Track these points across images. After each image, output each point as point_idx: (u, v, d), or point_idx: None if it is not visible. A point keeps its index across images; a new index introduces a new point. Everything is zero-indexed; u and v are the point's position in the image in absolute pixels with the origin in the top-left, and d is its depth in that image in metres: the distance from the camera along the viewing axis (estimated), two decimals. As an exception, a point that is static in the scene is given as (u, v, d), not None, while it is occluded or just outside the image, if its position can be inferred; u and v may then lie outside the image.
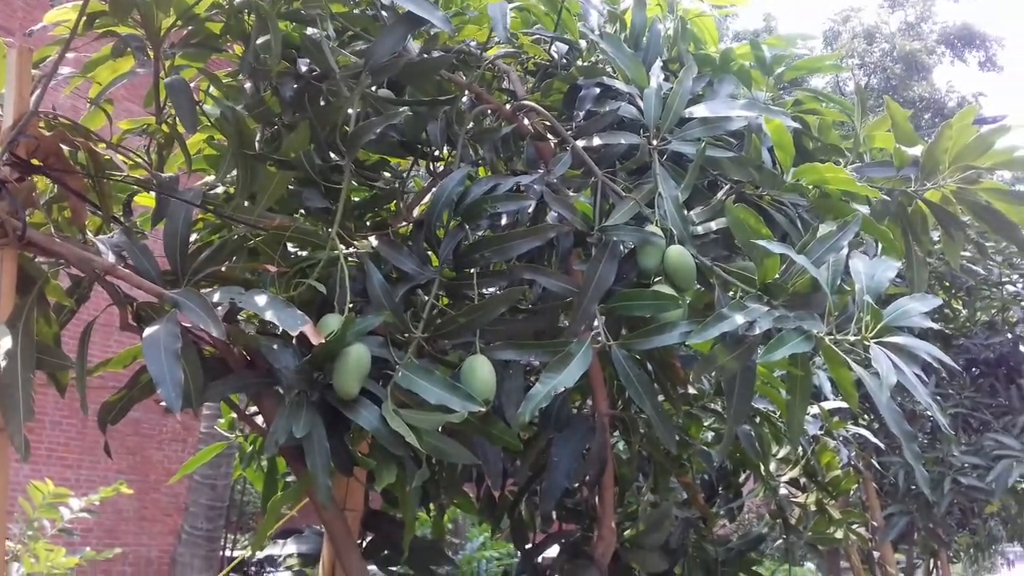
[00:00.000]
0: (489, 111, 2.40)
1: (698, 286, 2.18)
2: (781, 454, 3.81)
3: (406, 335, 2.11)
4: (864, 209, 2.30)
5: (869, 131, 2.73)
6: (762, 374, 3.25)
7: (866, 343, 1.86)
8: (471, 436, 2.18)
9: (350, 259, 2.13)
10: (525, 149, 2.38)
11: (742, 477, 3.48)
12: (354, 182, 2.38)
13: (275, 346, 1.97)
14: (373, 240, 2.24)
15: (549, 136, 2.41)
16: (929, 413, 5.47)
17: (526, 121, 2.44)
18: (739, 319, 1.92)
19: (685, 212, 2.20)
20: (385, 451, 1.99)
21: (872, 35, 19.41)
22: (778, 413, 3.24)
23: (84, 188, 1.95)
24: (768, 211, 2.35)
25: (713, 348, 1.97)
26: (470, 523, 11.42)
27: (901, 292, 2.17)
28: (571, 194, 2.36)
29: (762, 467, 3.27)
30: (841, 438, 3.58)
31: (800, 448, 3.73)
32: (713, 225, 2.20)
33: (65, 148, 1.92)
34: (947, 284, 5.96)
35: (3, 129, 1.80)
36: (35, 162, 1.85)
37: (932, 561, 7.21)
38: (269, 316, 1.81)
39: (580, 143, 2.37)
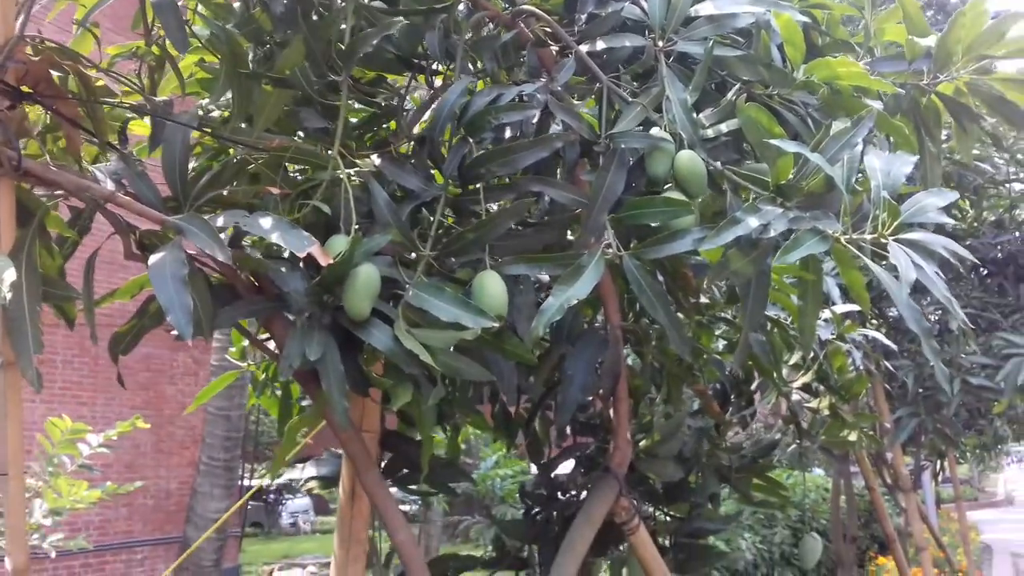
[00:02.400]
0: (487, 19, 2.31)
1: (709, 192, 2.13)
2: (793, 360, 3.82)
3: (414, 254, 2.08)
4: (877, 105, 2.24)
5: (879, 24, 2.65)
6: (773, 280, 3.24)
7: (883, 241, 1.82)
8: (484, 353, 2.17)
9: (353, 179, 2.09)
10: (526, 57, 2.31)
11: (754, 385, 3.49)
12: (354, 101, 2.32)
13: (283, 269, 1.95)
14: (376, 159, 2.19)
15: (551, 43, 2.33)
16: (940, 313, 5.48)
17: (526, 28, 2.36)
18: (753, 222, 1.88)
19: (694, 115, 2.14)
20: (399, 371, 1.99)
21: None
22: (790, 319, 3.23)
23: (77, 115, 1.89)
24: (779, 111, 2.29)
25: (727, 253, 1.93)
26: (483, 443, 11.58)
27: (912, 191, 2.12)
28: (576, 103, 2.30)
29: (774, 374, 3.27)
30: (852, 342, 3.58)
31: (812, 353, 3.73)
32: (723, 127, 2.14)
33: (55, 74, 1.85)
34: (953, 184, 5.88)
35: (-12, 56, 1.74)
36: (25, 89, 1.80)
37: (939, 462, 7.33)
38: (275, 239, 1.78)
39: (583, 48, 2.29)
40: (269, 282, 2.00)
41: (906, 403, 5.59)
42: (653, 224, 2.01)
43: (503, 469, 10.83)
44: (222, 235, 1.89)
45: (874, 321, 5.93)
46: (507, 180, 2.18)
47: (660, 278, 2.54)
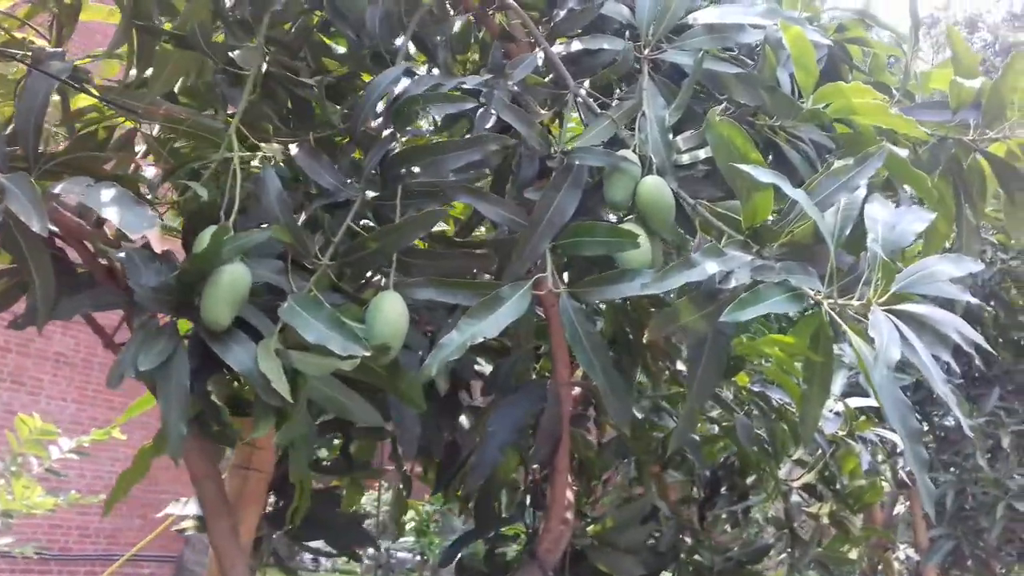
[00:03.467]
0: (450, 5, 1.97)
1: (676, 229, 1.73)
2: (797, 455, 3.32)
3: (317, 262, 1.72)
4: (902, 152, 1.82)
5: (926, 72, 2.24)
6: (777, 358, 2.80)
7: (873, 308, 1.40)
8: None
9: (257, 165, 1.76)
10: (491, 52, 1.96)
11: (751, 478, 3.02)
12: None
13: (136, 258, 1.61)
14: (294, 148, 1.86)
15: (521, 38, 1.99)
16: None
17: (501, 21, 2.03)
18: (711, 267, 1.48)
19: (670, 137, 1.76)
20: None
21: (974, 23, 18.01)
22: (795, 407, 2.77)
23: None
24: (782, 149, 1.89)
25: (676, 303, 1.53)
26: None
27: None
28: (541, 111, 1.94)
29: (773, 468, 2.81)
30: (865, 441, 3.08)
31: (819, 450, 3.24)
32: (702, 154, 1.75)
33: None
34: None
35: None
36: None
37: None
38: (108, 213, 1.45)
39: (557, 49, 1.94)
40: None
41: (943, 522, 4.96)
42: (588, 255, 1.62)
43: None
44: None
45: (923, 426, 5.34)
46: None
47: (627, 329, 2.14)
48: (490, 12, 1.98)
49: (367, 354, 1.49)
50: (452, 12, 1.98)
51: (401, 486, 2.48)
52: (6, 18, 1.98)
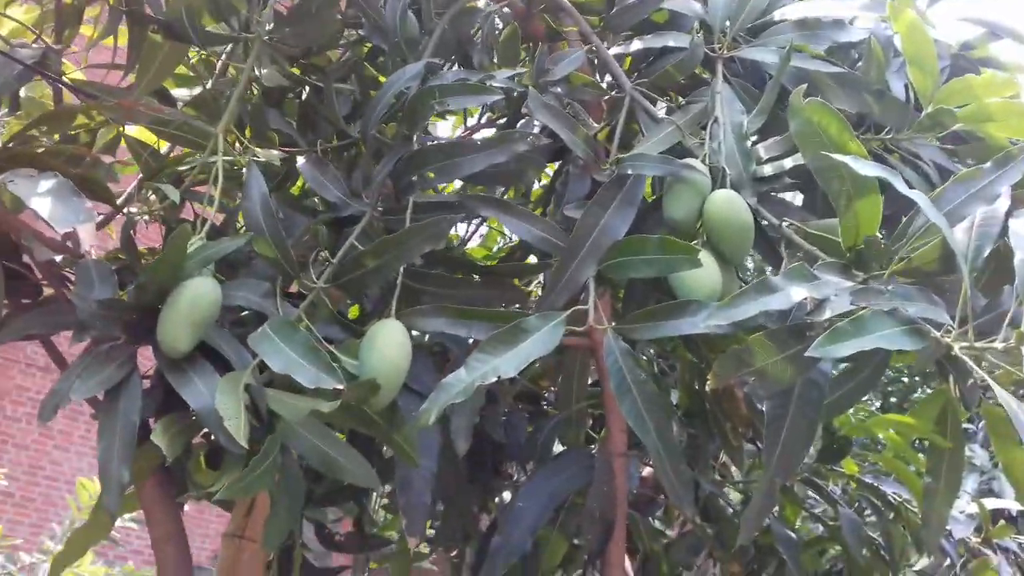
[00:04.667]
0: (487, 2, 1.69)
1: (756, 254, 1.38)
2: (920, 564, 2.80)
3: (310, 284, 1.43)
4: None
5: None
6: (894, 443, 2.34)
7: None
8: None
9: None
10: (536, 55, 1.66)
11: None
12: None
13: (92, 270, 1.33)
14: (301, 159, 1.59)
15: (572, 39, 1.69)
16: None
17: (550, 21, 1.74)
18: (797, 292, 1.11)
19: (748, 145, 1.41)
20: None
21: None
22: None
23: None
24: (895, 167, 1.52)
25: (749, 340, 1.15)
26: None
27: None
28: (593, 123, 1.62)
29: (885, 579, 2.33)
30: (1004, 551, 2.55)
31: (947, 560, 2.73)
32: (788, 163, 1.39)
33: None
34: None
35: None
36: None
37: None
38: (36, 204, 1.19)
39: (615, 51, 1.64)
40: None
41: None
42: (636, 277, 1.27)
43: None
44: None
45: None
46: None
47: (698, 389, 1.76)
48: (535, 13, 1.69)
49: (339, 387, 1.16)
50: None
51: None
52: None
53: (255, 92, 1.76)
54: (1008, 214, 1.16)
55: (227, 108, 1.47)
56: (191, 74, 1.88)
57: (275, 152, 1.53)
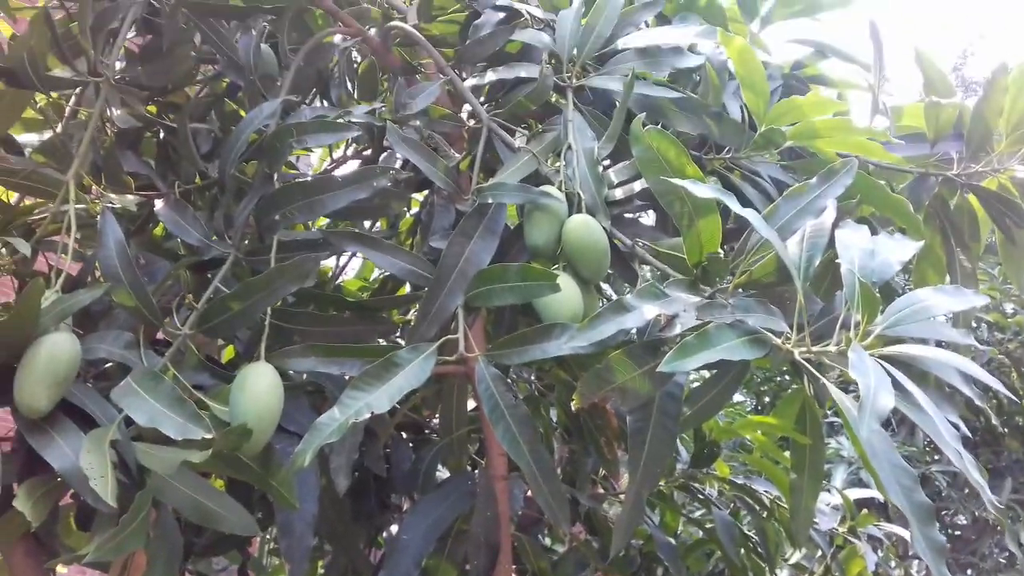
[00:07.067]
0: (343, 37, 1.71)
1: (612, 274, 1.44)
2: (795, 558, 2.94)
3: (175, 331, 1.41)
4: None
5: (898, 107, 1.99)
6: (760, 443, 2.46)
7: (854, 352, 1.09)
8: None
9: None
10: (394, 88, 1.69)
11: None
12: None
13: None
14: (159, 203, 1.56)
15: (427, 71, 1.73)
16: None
17: (401, 53, 1.77)
18: (649, 311, 1.18)
19: (600, 170, 1.48)
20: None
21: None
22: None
23: None
24: (738, 188, 1.62)
25: (609, 358, 1.21)
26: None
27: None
28: (454, 155, 1.66)
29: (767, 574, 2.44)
30: (870, 539, 2.71)
31: (820, 552, 2.87)
32: (637, 186, 1.47)
33: None
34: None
35: None
36: None
37: None
38: None
39: (470, 82, 1.68)
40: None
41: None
42: (499, 304, 1.31)
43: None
44: None
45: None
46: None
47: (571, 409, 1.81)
48: (391, 46, 1.72)
49: (208, 435, 1.15)
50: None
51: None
52: None
53: (109, 134, 1.72)
54: (835, 225, 1.26)
55: (78, 153, 1.43)
56: (40, 117, 1.83)
57: (130, 197, 1.50)
